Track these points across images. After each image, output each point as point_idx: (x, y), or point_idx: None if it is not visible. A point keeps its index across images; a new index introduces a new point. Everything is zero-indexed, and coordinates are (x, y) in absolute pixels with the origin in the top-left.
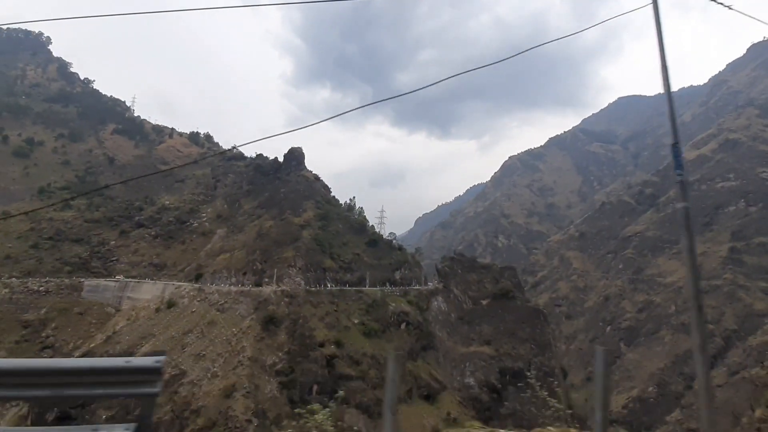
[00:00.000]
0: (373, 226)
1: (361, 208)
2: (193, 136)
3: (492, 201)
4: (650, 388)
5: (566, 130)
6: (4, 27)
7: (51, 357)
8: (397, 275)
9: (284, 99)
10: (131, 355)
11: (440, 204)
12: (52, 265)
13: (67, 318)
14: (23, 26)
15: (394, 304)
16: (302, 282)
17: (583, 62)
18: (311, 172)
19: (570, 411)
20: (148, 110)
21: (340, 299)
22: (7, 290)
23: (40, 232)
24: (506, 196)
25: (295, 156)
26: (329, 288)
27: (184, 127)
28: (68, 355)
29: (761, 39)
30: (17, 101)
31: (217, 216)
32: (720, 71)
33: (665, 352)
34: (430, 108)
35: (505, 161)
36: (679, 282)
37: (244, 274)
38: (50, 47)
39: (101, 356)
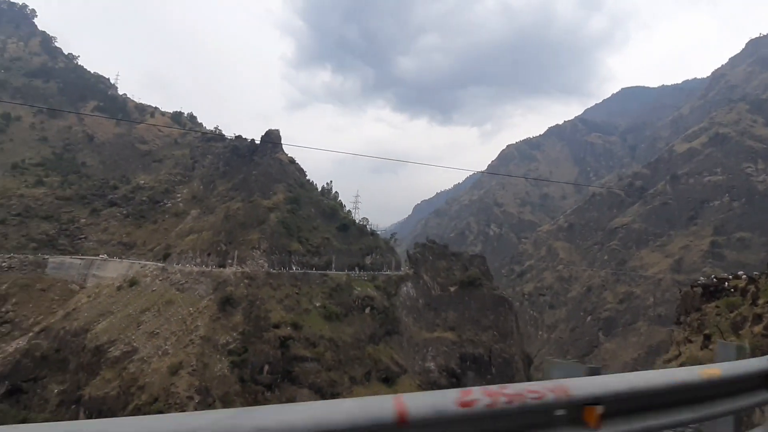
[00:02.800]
0: (350, 211)
1: (336, 192)
2: (176, 116)
3: (487, 189)
4: None
5: (567, 119)
6: None
7: (8, 332)
8: (368, 260)
9: (285, 81)
10: (85, 331)
11: (439, 191)
12: (18, 242)
13: (28, 294)
14: None
15: (359, 289)
16: (265, 264)
17: (590, 51)
18: (287, 155)
19: None
20: (142, 91)
21: (303, 282)
22: None
23: (9, 208)
24: (501, 184)
25: (271, 138)
26: (292, 271)
27: (182, 108)
28: (27, 329)
29: (758, 35)
30: None
31: (192, 197)
32: (722, 65)
33: (640, 342)
34: (432, 93)
35: (503, 150)
36: (659, 274)
37: (209, 255)
38: (35, 20)
39: (57, 331)
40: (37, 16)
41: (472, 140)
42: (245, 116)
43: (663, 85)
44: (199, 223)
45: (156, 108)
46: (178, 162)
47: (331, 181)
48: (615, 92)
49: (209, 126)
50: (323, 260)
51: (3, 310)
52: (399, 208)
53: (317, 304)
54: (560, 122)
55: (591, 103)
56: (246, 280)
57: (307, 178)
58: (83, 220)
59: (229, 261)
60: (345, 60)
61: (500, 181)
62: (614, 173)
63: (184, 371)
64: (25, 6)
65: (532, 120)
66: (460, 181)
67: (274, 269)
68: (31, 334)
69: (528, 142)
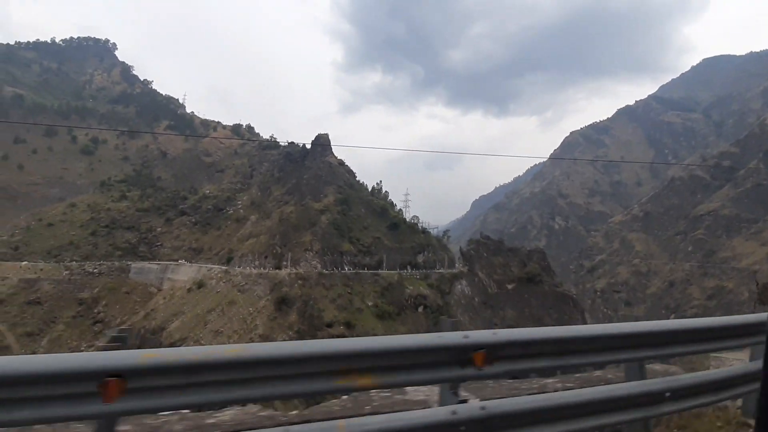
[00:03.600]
0: (401, 210)
1: (387, 192)
2: (236, 128)
3: (549, 180)
4: None
5: (639, 99)
6: (75, 36)
7: (100, 331)
8: (420, 258)
9: (336, 85)
10: (162, 329)
11: (498, 185)
12: (106, 250)
13: (115, 296)
14: (92, 34)
15: (411, 287)
16: (318, 265)
17: (662, 21)
18: (336, 157)
19: None
20: (206, 106)
21: (355, 282)
22: (67, 272)
23: (99, 220)
24: (565, 174)
25: (320, 142)
26: (344, 271)
27: (241, 120)
28: (115, 328)
29: None
30: (85, 104)
31: (251, 203)
32: None
33: None
34: (486, 85)
35: (566, 137)
36: (754, 265)
37: (266, 257)
38: (116, 53)
39: (139, 330)
40: (117, 48)
41: (531, 130)
42: (301, 123)
43: (751, 52)
44: (257, 228)
45: (218, 122)
46: (238, 171)
47: (380, 181)
48: (695, 64)
49: (267, 135)
50: (374, 260)
51: (96, 311)
52: (456, 205)
53: (369, 303)
54: (631, 103)
55: (666, 79)
56: (300, 281)
57: (357, 178)
58: (159, 229)
59: (284, 263)
60: (394, 59)
61: (565, 170)
62: (696, 154)
63: None
64: (107, 41)
65: (597, 104)
66: (521, 174)
67: (326, 270)
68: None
69: (594, 127)
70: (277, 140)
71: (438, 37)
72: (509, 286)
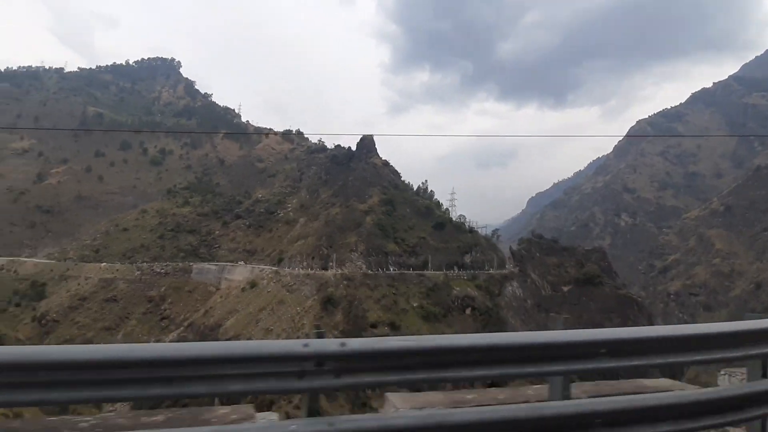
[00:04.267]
0: (447, 209)
1: (432, 191)
2: (286, 134)
3: (614, 174)
4: None
5: (718, 80)
6: (146, 57)
7: (166, 326)
8: (467, 259)
9: (384, 87)
10: (219, 326)
11: (556, 181)
12: (171, 252)
13: (179, 295)
14: (162, 54)
15: (458, 288)
16: (363, 266)
17: None
18: (381, 158)
19: None
20: (263, 114)
21: (399, 282)
22: (139, 272)
23: (166, 225)
24: (631, 167)
25: (365, 144)
26: (389, 271)
27: (292, 126)
28: (179, 324)
29: None
30: (154, 119)
31: (300, 206)
32: None
33: None
34: (540, 76)
35: (632, 127)
36: None
37: (313, 258)
38: (180, 70)
39: (199, 326)
40: (182, 66)
41: (592, 121)
42: (350, 125)
43: None
44: (306, 230)
45: (270, 129)
46: (288, 175)
47: (426, 180)
48: None
49: (317, 140)
50: (420, 260)
51: (162, 308)
52: (511, 204)
53: (414, 304)
54: (708, 85)
55: (749, 57)
56: (345, 281)
57: (403, 179)
58: (217, 232)
59: (331, 263)
60: (442, 57)
61: (630, 162)
62: None
63: None
64: (173, 59)
65: (668, 89)
66: (582, 168)
67: (371, 270)
68: (181, 328)
69: (665, 114)
70: (324, 144)
71: (487, 30)
72: (565, 288)
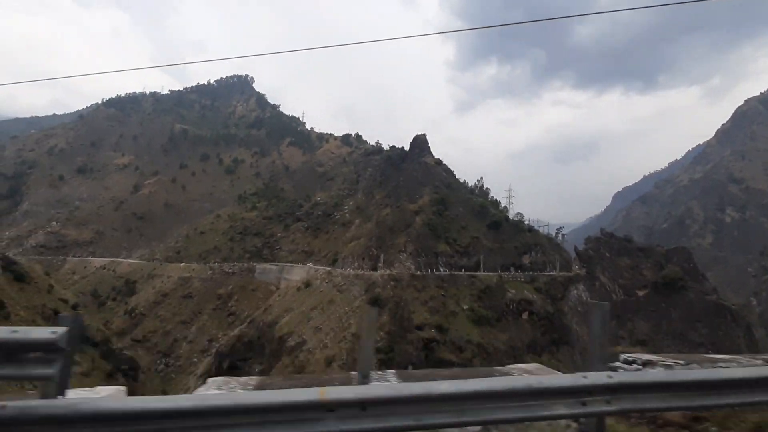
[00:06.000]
0: (505, 207)
1: (488, 189)
2: (345, 138)
3: (716, 163)
4: None
5: None
6: (224, 76)
7: (233, 322)
8: (525, 259)
9: (450, 84)
10: (275, 323)
11: (647, 174)
12: (239, 253)
13: (244, 293)
14: (242, 72)
15: (514, 291)
16: (412, 266)
17: None
18: (433, 157)
19: None
20: (334, 120)
21: (449, 284)
22: (210, 271)
23: (236, 228)
24: (738, 154)
25: (418, 143)
26: (438, 273)
27: (363, 130)
28: (243, 320)
29: None
30: (229, 131)
31: (356, 207)
32: None
33: None
34: (624, 57)
35: (739, 107)
36: None
37: (363, 259)
38: (254, 84)
39: (258, 323)
40: (254, 81)
41: (691, 103)
42: (418, 125)
43: None
44: (359, 231)
45: (330, 134)
46: (346, 178)
47: (481, 178)
48: None
49: (384, 143)
50: (472, 261)
51: (230, 304)
52: (595, 200)
53: (465, 307)
54: None
55: None
56: (392, 282)
57: (458, 177)
58: (279, 234)
59: (380, 264)
60: (511, 48)
61: (738, 148)
62: None
63: (336, 363)
64: (247, 75)
65: None
66: (678, 158)
67: (420, 271)
68: (244, 324)
69: None
70: (381, 145)
71: (562, 13)
72: (640, 293)
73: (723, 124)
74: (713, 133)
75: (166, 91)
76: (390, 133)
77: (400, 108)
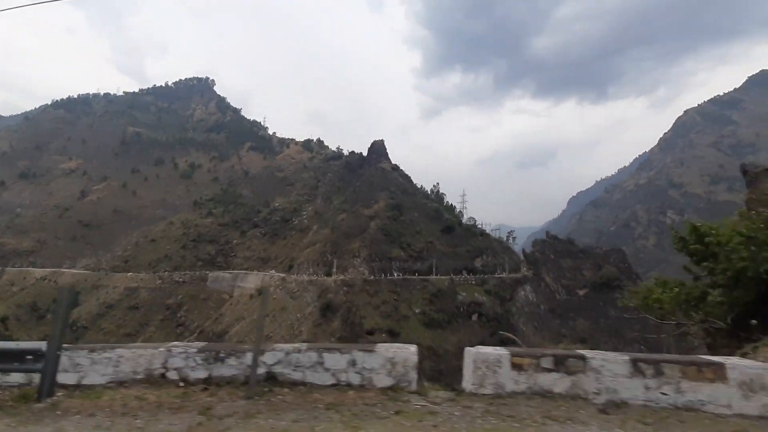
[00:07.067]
0: (460, 212)
1: (443, 194)
2: (306, 143)
3: (658, 170)
4: None
5: None
6: (183, 78)
7: (181, 333)
8: (477, 263)
9: (417, 91)
10: (225, 333)
11: (599, 179)
12: (191, 261)
13: (195, 302)
14: (205, 75)
15: (464, 294)
16: (366, 271)
17: None
18: (390, 163)
19: None
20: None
21: (402, 288)
22: (159, 281)
23: (189, 235)
24: (678, 161)
25: (376, 149)
26: (391, 277)
27: (331, 136)
28: (192, 331)
29: None
30: (186, 135)
31: (315, 213)
32: None
33: None
34: (578, 69)
35: (679, 117)
36: None
37: (318, 265)
38: (215, 88)
39: (209, 333)
40: (215, 84)
41: (639, 112)
42: (386, 131)
43: None
44: (316, 236)
45: (292, 139)
46: (306, 183)
47: (437, 183)
48: None
49: (353, 148)
50: (426, 265)
51: (179, 315)
52: (553, 204)
53: (417, 311)
54: None
55: None
56: (345, 288)
57: (416, 183)
58: (235, 241)
59: (334, 270)
60: (474, 57)
61: (677, 156)
62: None
63: None
64: (207, 78)
65: (725, 72)
66: (626, 164)
67: (374, 276)
68: (193, 335)
69: (717, 102)
70: (342, 151)
71: (521, 26)
72: (581, 293)
73: (665, 133)
74: (656, 142)
75: (120, 93)
76: (360, 138)
77: (370, 114)
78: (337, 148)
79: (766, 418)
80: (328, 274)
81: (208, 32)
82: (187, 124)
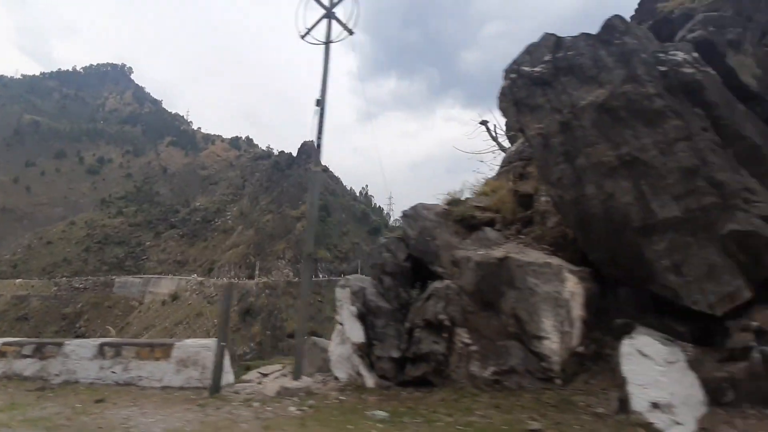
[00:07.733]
0: (389, 214)
1: (371, 196)
2: (234, 141)
3: None
4: None
5: None
6: (94, 63)
7: None
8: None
9: (352, 95)
10: None
11: None
12: (95, 265)
13: (98, 311)
14: (110, 60)
15: None
16: (290, 273)
17: None
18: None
19: None
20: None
21: (327, 290)
22: (55, 288)
23: (93, 237)
24: None
25: (305, 149)
26: (316, 279)
27: (263, 135)
28: None
29: None
30: (95, 126)
31: (241, 214)
32: None
33: None
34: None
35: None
36: None
37: (240, 267)
38: (132, 76)
39: None
40: (133, 72)
41: None
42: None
43: None
44: (240, 238)
45: (218, 136)
46: (231, 182)
47: (366, 185)
48: None
49: (285, 148)
50: (352, 266)
51: (77, 325)
52: None
53: None
54: None
55: None
56: (267, 291)
57: (345, 185)
58: (148, 243)
59: (257, 272)
60: (409, 65)
61: None
62: None
63: None
64: (123, 65)
65: None
66: None
67: (298, 278)
68: None
69: None
70: (272, 150)
71: (452, 39)
72: None
73: None
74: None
75: (18, 76)
76: (295, 139)
77: (306, 114)
78: (267, 147)
79: (185, 388)
80: (251, 277)
81: (130, 15)
82: (96, 115)
